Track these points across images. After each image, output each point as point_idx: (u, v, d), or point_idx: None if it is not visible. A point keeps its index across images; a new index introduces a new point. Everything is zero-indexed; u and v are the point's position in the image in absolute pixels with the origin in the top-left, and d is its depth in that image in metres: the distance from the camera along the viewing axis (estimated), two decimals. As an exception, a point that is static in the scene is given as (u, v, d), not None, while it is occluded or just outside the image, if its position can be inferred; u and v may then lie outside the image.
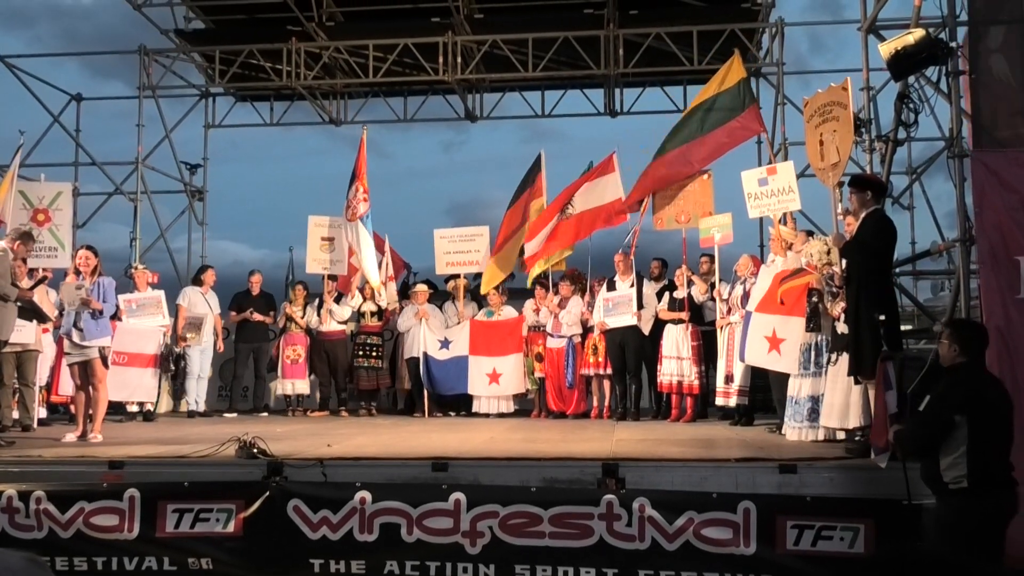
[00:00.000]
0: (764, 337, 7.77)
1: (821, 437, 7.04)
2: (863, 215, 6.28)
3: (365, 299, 11.22)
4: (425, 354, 10.72)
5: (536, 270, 10.90)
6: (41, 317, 8.17)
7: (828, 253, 6.98)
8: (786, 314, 7.56)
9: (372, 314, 11.21)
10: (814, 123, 7.63)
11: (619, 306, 9.88)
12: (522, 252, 11.30)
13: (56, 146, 13.70)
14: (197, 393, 10.89)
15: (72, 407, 8.78)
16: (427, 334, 10.79)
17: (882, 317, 5.80)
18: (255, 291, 11.54)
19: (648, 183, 10.21)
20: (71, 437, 7.74)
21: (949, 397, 4.73)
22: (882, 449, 5.62)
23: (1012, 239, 5.62)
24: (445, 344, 10.83)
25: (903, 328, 12.33)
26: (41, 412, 9.45)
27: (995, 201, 5.67)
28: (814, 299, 7.16)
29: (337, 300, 11.21)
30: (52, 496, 5.84)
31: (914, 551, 4.71)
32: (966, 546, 4.66)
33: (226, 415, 10.81)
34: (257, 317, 11.27)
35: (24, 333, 8.55)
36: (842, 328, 6.60)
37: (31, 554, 2.11)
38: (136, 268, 10.95)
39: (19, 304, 7.43)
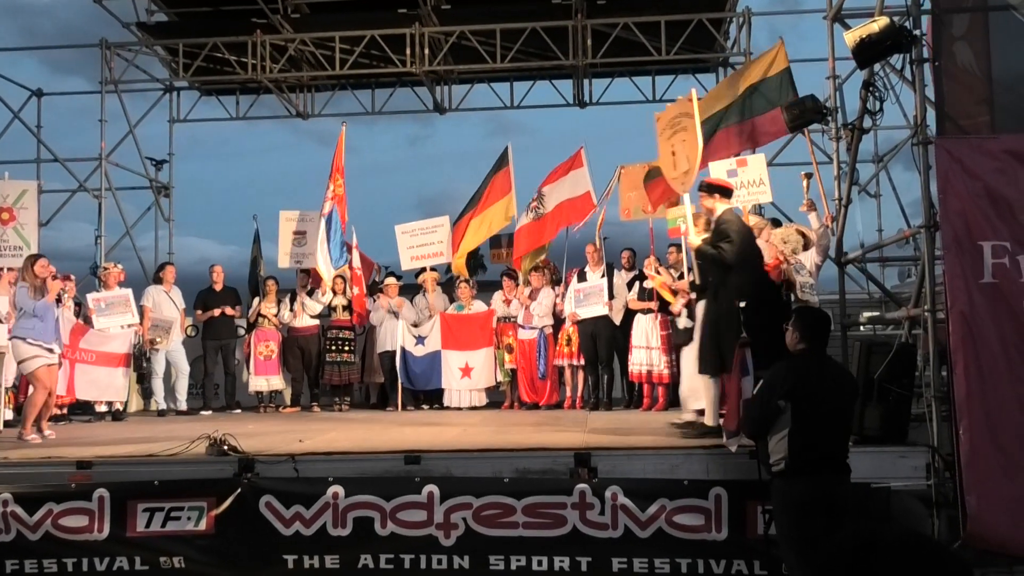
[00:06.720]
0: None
1: None
2: (715, 217, 6.71)
3: (336, 293, 11.14)
4: (403, 349, 10.66)
5: (526, 265, 10.86)
6: None
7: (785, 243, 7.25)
8: None
9: (343, 308, 11.14)
10: (666, 135, 7.71)
11: (590, 296, 9.90)
12: (496, 243, 11.22)
13: (17, 143, 13.45)
14: (176, 391, 10.81)
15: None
16: (404, 329, 10.74)
17: (742, 304, 6.01)
18: (218, 286, 11.41)
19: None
20: (35, 437, 7.65)
21: (774, 382, 4.83)
22: (733, 433, 5.72)
23: (975, 225, 5.69)
24: (421, 340, 10.78)
25: (870, 314, 12.43)
26: (7, 414, 9.29)
27: (959, 188, 5.73)
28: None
29: (310, 294, 11.14)
30: (19, 498, 5.78)
31: (878, 532, 4.76)
32: (784, 527, 4.82)
33: (202, 413, 10.71)
34: (229, 312, 11.14)
35: (-7, 334, 8.44)
36: (683, 323, 8.28)
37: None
38: (110, 267, 10.80)
39: None
